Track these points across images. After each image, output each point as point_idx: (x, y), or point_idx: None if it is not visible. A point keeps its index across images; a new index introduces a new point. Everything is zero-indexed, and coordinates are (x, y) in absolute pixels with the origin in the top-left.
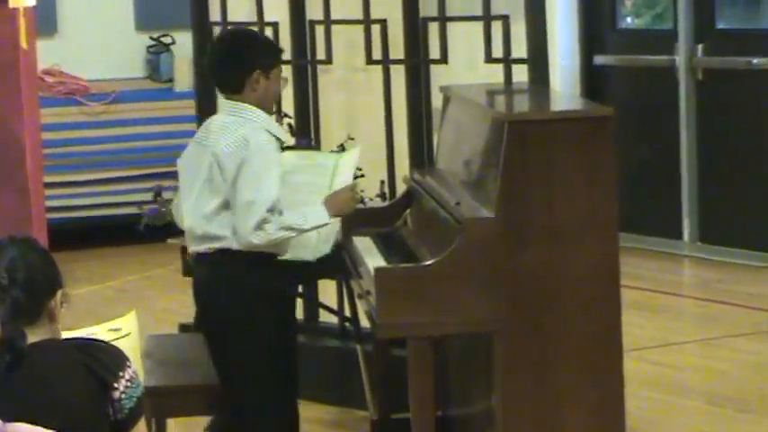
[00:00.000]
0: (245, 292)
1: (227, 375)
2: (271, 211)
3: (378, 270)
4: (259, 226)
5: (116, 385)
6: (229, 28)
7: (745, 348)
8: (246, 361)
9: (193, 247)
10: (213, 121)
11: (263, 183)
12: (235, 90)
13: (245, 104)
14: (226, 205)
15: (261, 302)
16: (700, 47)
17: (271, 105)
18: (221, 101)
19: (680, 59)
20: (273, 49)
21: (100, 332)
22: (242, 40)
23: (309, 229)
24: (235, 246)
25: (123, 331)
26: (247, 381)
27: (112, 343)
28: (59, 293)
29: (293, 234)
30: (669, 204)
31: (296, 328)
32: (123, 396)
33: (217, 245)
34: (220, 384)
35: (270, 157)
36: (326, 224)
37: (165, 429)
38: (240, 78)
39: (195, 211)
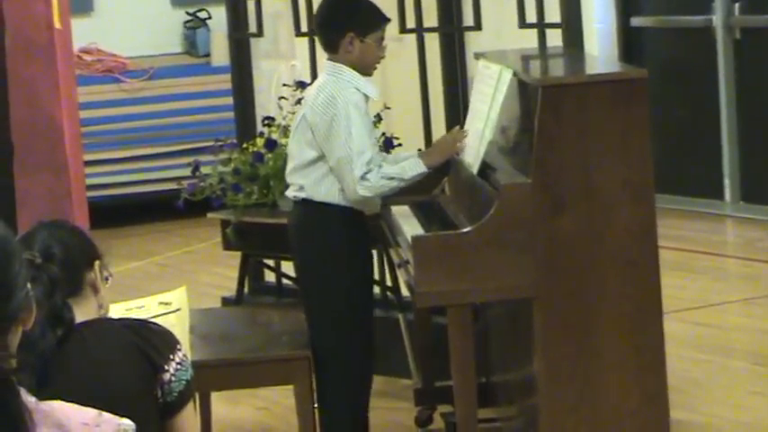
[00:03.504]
0: (327, 242)
1: (311, 318)
2: (368, 163)
3: (415, 238)
4: (363, 178)
5: (166, 368)
6: None
7: None
8: (328, 306)
9: (288, 191)
10: (317, 81)
11: (354, 138)
12: (331, 50)
13: (340, 64)
14: (320, 159)
15: (342, 252)
16: (736, 6)
17: (368, 67)
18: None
19: (717, 19)
20: (373, 14)
21: (149, 304)
22: (342, 3)
23: (410, 179)
24: (316, 197)
25: (174, 306)
26: (327, 330)
27: (162, 317)
28: (97, 264)
29: (395, 184)
30: (710, 165)
31: (372, 283)
32: (173, 379)
33: (303, 194)
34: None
35: (357, 113)
36: (425, 172)
37: (208, 403)
38: (334, 39)
39: (294, 159)
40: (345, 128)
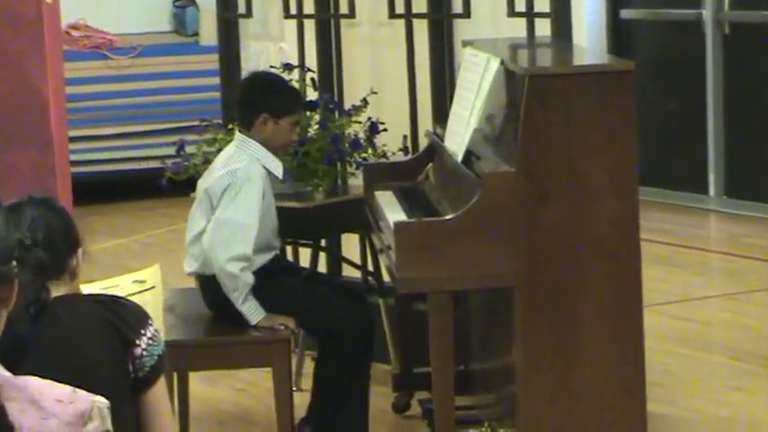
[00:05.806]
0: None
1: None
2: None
3: (398, 224)
4: (237, 258)
5: (138, 342)
6: (257, 70)
7: None
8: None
9: (189, 266)
10: (224, 150)
11: (243, 205)
12: (245, 127)
13: (251, 140)
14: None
15: (275, 302)
16: (726, 0)
17: (279, 147)
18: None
19: (706, 13)
20: (290, 99)
21: (124, 283)
22: (259, 83)
23: (242, 304)
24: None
25: (148, 284)
26: (306, 322)
27: (137, 295)
28: (80, 252)
29: (243, 289)
30: (695, 159)
31: (299, 269)
32: (145, 353)
33: (211, 270)
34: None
35: (254, 186)
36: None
37: (187, 383)
38: (249, 118)
39: (195, 229)
40: (235, 195)
